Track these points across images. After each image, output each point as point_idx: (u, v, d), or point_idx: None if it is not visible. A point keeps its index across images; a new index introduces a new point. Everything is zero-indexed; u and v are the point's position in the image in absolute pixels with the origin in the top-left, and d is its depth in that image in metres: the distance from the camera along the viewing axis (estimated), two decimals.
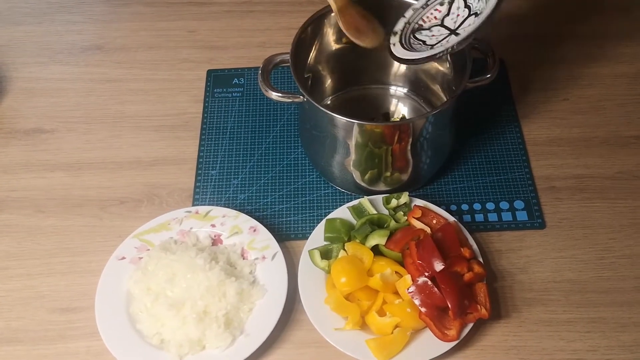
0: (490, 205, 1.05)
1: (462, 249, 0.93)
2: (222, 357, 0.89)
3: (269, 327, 0.90)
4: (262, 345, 0.89)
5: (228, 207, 1.04)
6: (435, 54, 0.90)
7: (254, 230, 1.00)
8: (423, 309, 0.87)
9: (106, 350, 0.90)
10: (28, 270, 1.00)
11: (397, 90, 1.18)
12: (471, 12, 0.93)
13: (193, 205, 1.06)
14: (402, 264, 0.93)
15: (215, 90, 1.22)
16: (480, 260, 0.95)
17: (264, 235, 0.99)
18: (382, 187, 1.04)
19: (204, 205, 1.06)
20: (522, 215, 1.04)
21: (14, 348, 0.93)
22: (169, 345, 0.89)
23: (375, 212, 1.00)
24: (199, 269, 0.93)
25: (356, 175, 1.02)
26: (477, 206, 1.05)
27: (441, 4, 0.96)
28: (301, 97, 0.95)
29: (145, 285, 0.94)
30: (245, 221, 1.01)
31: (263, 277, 0.96)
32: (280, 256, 0.97)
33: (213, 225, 1.01)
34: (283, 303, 0.92)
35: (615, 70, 1.24)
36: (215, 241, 1.01)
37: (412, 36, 0.96)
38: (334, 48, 1.10)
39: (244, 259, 0.98)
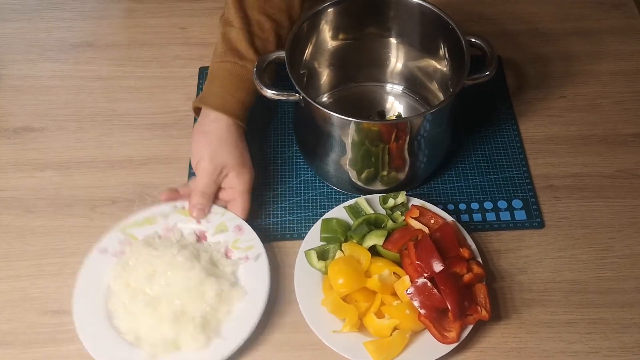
0: (488, 205, 1.04)
1: (461, 250, 0.91)
2: (196, 359, 0.87)
3: (246, 331, 0.88)
4: (258, 348, 0.87)
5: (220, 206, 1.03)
6: None
7: (240, 229, 0.98)
8: (422, 311, 0.86)
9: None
10: (17, 272, 0.98)
11: (394, 87, 1.17)
12: None
13: None
14: (400, 264, 0.92)
15: None
16: (479, 260, 0.93)
17: (249, 235, 0.97)
18: (378, 186, 1.03)
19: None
20: (520, 215, 1.03)
21: (4, 352, 0.91)
22: (144, 343, 0.88)
23: (372, 211, 0.99)
24: (180, 267, 0.92)
25: (352, 174, 1.01)
26: (474, 205, 1.04)
27: None
28: (297, 95, 0.93)
29: (125, 281, 0.93)
30: (231, 219, 0.99)
31: (245, 278, 0.94)
32: (264, 258, 0.94)
33: (199, 222, 0.99)
34: (263, 307, 0.90)
35: (613, 67, 1.23)
36: (200, 238, 0.99)
37: None
38: (329, 45, 1.09)
39: (227, 258, 0.97)
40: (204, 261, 0.94)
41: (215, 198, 1.00)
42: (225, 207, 1.00)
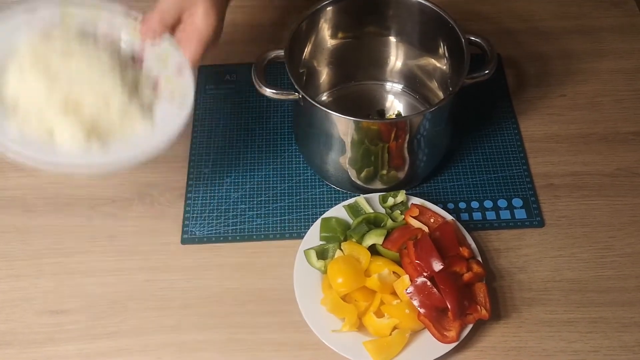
0: (488, 203, 1.04)
1: (460, 248, 0.91)
2: (66, 156, 0.81)
3: (128, 158, 0.82)
4: (257, 348, 0.87)
5: (221, 205, 1.03)
6: None
7: (179, 72, 0.89)
8: (422, 310, 0.86)
9: (98, 354, 0.89)
10: (16, 271, 0.98)
11: (393, 86, 1.17)
12: None
13: (185, 204, 1.04)
14: (399, 263, 0.92)
15: (207, 87, 1.20)
16: (479, 259, 0.93)
17: (187, 82, 0.88)
18: (378, 185, 1.03)
19: (197, 202, 1.04)
20: (520, 214, 1.02)
21: (2, 352, 0.91)
22: (19, 114, 0.82)
23: (371, 210, 0.98)
24: (100, 63, 0.85)
25: (352, 173, 1.01)
26: (474, 204, 1.04)
27: None
28: (296, 94, 0.93)
29: (36, 46, 0.85)
30: (176, 56, 0.89)
31: (160, 117, 0.87)
32: (188, 109, 0.86)
33: (142, 41, 0.89)
34: (156, 150, 0.84)
35: (613, 65, 1.23)
36: (136, 60, 0.90)
37: None
38: (329, 44, 1.09)
39: (153, 90, 0.89)
40: (127, 75, 0.87)
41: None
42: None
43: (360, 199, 1.00)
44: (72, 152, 0.82)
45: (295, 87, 0.93)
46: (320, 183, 1.07)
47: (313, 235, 0.97)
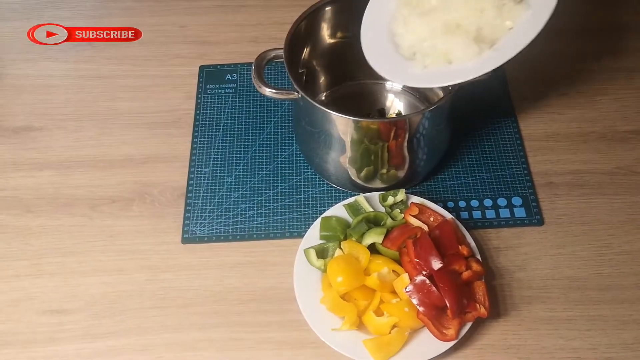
0: (487, 202, 1.04)
1: (460, 247, 0.91)
2: (465, 68, 0.87)
3: (522, 44, 0.85)
4: (257, 347, 0.87)
5: (221, 205, 1.03)
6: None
7: None
8: (421, 308, 0.86)
9: (98, 354, 0.89)
10: (17, 271, 0.98)
11: (393, 85, 1.17)
12: None
13: (186, 203, 1.04)
14: (399, 262, 0.92)
15: (207, 87, 1.21)
16: (479, 257, 0.93)
17: None
18: (378, 184, 1.03)
19: (198, 201, 1.04)
20: (520, 212, 1.03)
21: (3, 351, 0.91)
22: (418, 55, 0.90)
23: (371, 209, 0.99)
24: None
25: (352, 172, 1.01)
26: (474, 203, 1.04)
27: None
28: (296, 93, 0.93)
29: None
30: None
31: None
32: None
33: None
34: (544, 22, 0.87)
35: (612, 64, 1.23)
36: None
37: None
38: (328, 43, 1.09)
39: None
40: None
41: None
42: None
43: (360, 198, 1.00)
44: (471, 66, 0.88)
45: (295, 86, 0.93)
46: (320, 182, 1.07)
47: (313, 234, 0.97)
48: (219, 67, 1.24)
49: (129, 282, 0.97)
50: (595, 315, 0.92)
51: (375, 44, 0.95)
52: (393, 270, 0.91)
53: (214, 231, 1.02)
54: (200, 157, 1.10)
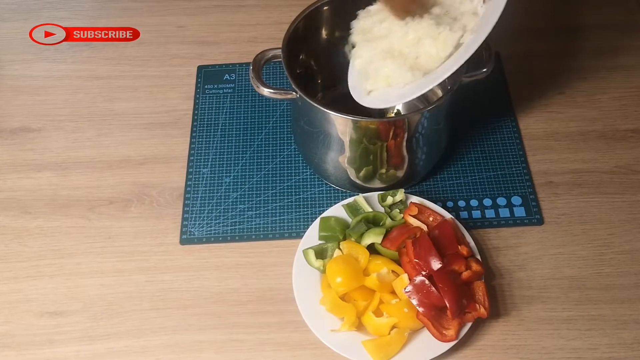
0: (487, 202, 1.04)
1: (459, 247, 0.91)
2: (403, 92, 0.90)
3: (452, 69, 0.86)
4: (256, 348, 0.87)
5: (220, 205, 1.03)
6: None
7: None
8: (421, 309, 0.85)
9: (96, 356, 0.88)
10: (15, 273, 0.98)
11: None
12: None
13: (184, 204, 1.04)
14: (398, 262, 0.92)
15: (206, 87, 1.20)
16: (478, 257, 0.93)
17: None
18: (377, 184, 1.02)
19: (196, 202, 1.04)
20: (519, 212, 1.02)
21: (1, 354, 0.91)
22: (369, 77, 0.94)
23: (370, 209, 0.98)
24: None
25: (351, 173, 1.01)
26: (474, 202, 1.04)
27: None
28: (294, 93, 0.93)
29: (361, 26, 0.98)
30: None
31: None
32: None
33: None
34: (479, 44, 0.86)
35: (611, 63, 1.23)
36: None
37: None
38: (326, 43, 1.08)
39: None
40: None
41: None
42: None
43: (359, 198, 0.99)
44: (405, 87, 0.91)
45: (293, 86, 0.92)
46: (319, 182, 1.07)
47: (312, 235, 0.97)
48: (217, 67, 1.23)
49: (127, 283, 0.97)
50: (595, 315, 0.92)
51: (352, 77, 0.99)
52: (392, 271, 0.90)
53: (213, 232, 1.02)
54: (199, 157, 1.10)
